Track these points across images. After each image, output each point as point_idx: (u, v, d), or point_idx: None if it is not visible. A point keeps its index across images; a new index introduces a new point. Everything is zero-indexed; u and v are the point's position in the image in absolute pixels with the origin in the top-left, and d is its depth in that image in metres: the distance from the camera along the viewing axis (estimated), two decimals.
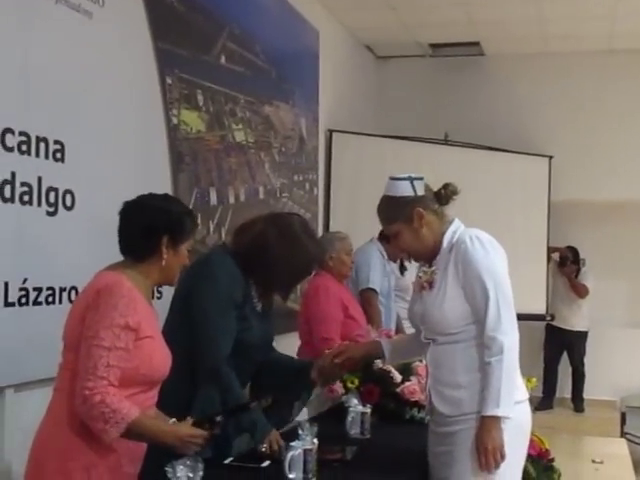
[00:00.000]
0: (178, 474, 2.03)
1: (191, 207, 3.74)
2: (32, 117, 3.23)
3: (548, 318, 8.19)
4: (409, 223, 2.65)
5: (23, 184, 3.17)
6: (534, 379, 3.36)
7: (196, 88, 4.60)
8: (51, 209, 3.33)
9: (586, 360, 8.20)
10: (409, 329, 4.10)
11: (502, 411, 2.48)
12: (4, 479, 3.09)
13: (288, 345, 4.29)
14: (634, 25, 7.31)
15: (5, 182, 3.08)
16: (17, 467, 2.84)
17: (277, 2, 5.84)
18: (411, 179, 2.67)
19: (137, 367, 2.24)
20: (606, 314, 8.12)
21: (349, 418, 3.12)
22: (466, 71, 8.49)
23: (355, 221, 6.53)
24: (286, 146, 6.04)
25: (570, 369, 8.26)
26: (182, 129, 4.45)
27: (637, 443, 7.33)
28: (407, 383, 3.41)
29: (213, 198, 4.82)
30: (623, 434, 7.53)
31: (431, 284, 2.64)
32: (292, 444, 2.43)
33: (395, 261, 5.40)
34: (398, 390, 3.39)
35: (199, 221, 4.32)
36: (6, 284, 3.09)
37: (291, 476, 2.40)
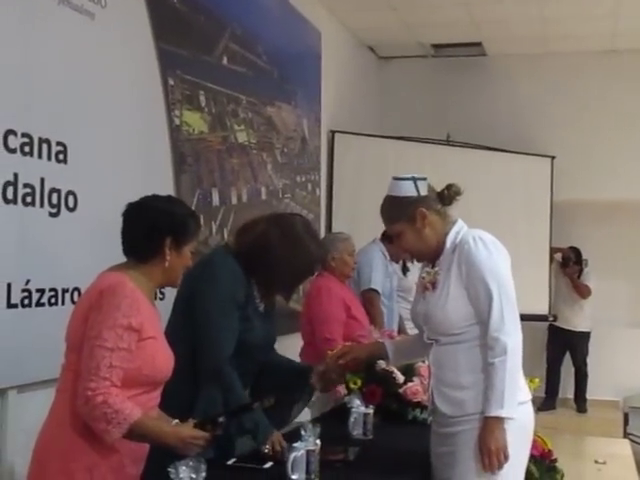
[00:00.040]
0: (181, 475, 2.03)
1: (193, 208, 3.74)
2: (34, 118, 3.23)
3: (551, 319, 8.19)
4: (412, 223, 2.65)
5: (26, 185, 3.17)
6: (537, 380, 3.36)
7: (198, 89, 4.61)
8: (54, 210, 3.33)
9: (589, 360, 8.19)
10: (412, 330, 4.10)
11: (506, 412, 2.48)
12: None
13: (290, 346, 4.29)
14: (636, 25, 7.30)
15: (8, 183, 3.08)
16: (20, 468, 2.84)
17: (279, 3, 5.84)
18: (414, 179, 2.67)
19: (140, 368, 2.24)
20: (609, 314, 8.11)
21: (352, 419, 3.12)
22: (468, 71, 8.49)
23: (357, 222, 6.53)
24: (288, 147, 6.04)
25: (573, 369, 8.25)
26: (184, 130, 4.46)
27: None
28: (410, 384, 3.40)
29: (215, 199, 4.82)
30: (626, 434, 7.52)
31: (434, 285, 2.64)
32: (295, 445, 2.43)
33: (397, 262, 5.40)
34: (401, 391, 3.39)
35: (201, 222, 4.32)
36: (9, 285, 3.09)
37: (294, 477, 2.40)
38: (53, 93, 3.34)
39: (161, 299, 3.55)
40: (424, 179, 2.69)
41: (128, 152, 3.84)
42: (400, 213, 2.66)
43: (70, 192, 3.41)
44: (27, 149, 3.19)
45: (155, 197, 2.45)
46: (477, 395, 2.54)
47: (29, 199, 3.19)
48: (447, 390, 2.62)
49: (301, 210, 6.03)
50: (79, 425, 2.21)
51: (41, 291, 3.25)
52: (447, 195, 2.70)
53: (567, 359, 8.28)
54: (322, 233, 6.45)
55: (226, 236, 4.81)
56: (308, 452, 2.42)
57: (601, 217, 8.19)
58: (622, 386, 8.15)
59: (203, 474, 2.07)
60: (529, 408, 2.67)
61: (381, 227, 4.91)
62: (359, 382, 3.35)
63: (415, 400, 3.37)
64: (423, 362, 3.34)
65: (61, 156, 3.37)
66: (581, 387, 8.19)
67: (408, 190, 2.66)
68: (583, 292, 8.10)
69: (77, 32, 3.49)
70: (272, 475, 2.55)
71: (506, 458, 2.50)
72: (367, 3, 6.91)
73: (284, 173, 5.93)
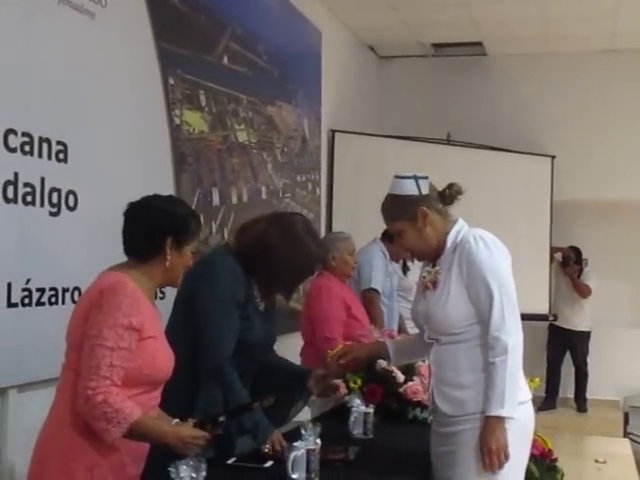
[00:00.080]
0: (181, 474, 2.03)
1: (193, 207, 3.74)
2: (35, 118, 3.23)
3: (551, 318, 8.19)
4: (413, 222, 2.65)
5: (26, 185, 3.17)
6: (537, 379, 3.36)
7: (199, 88, 4.61)
8: (54, 210, 3.33)
9: (589, 360, 8.19)
10: (412, 329, 4.10)
11: (506, 411, 2.48)
12: (7, 479, 3.10)
13: (291, 345, 4.29)
14: (637, 24, 7.30)
15: (8, 183, 3.08)
16: (20, 467, 2.84)
17: (280, 3, 5.84)
18: (416, 178, 2.67)
19: (140, 367, 2.24)
20: (609, 314, 8.11)
21: (352, 418, 3.12)
22: (468, 71, 8.49)
23: (357, 221, 6.54)
24: (288, 146, 6.04)
25: (573, 369, 8.26)
26: (184, 129, 4.46)
27: None
28: (410, 383, 3.41)
29: (216, 198, 4.82)
30: (626, 434, 7.52)
31: (435, 284, 2.64)
32: (295, 444, 2.44)
33: (397, 261, 5.40)
34: (401, 390, 3.39)
35: (202, 221, 4.32)
36: (9, 285, 3.09)
37: (294, 476, 2.40)
38: (53, 92, 3.34)
39: (161, 298, 3.55)
40: (425, 178, 2.69)
41: (128, 152, 3.84)
42: (401, 211, 2.66)
43: (70, 191, 3.41)
44: (27, 148, 3.18)
45: (156, 197, 2.44)
46: (477, 394, 2.54)
47: (29, 198, 3.19)
48: (447, 389, 2.62)
49: (301, 210, 6.03)
50: (79, 424, 2.21)
51: (41, 290, 3.25)
52: (448, 194, 2.70)
53: (567, 359, 8.28)
54: (322, 233, 6.45)
55: (226, 236, 4.81)
56: (308, 451, 2.43)
57: (601, 217, 8.19)
58: (622, 386, 8.15)
59: (203, 473, 2.07)
60: (529, 408, 2.67)
61: (381, 227, 4.91)
62: (359, 381, 3.35)
63: (415, 399, 3.37)
64: (423, 361, 3.34)
65: (61, 155, 3.37)
66: (581, 387, 8.19)
67: (409, 189, 2.66)
68: (583, 291, 8.10)
69: (77, 31, 3.48)
70: (272, 474, 2.55)
71: (507, 458, 2.50)
72: (367, 3, 6.91)
73: (284, 172, 5.93)
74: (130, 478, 2.31)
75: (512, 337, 2.51)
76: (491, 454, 2.49)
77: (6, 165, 3.08)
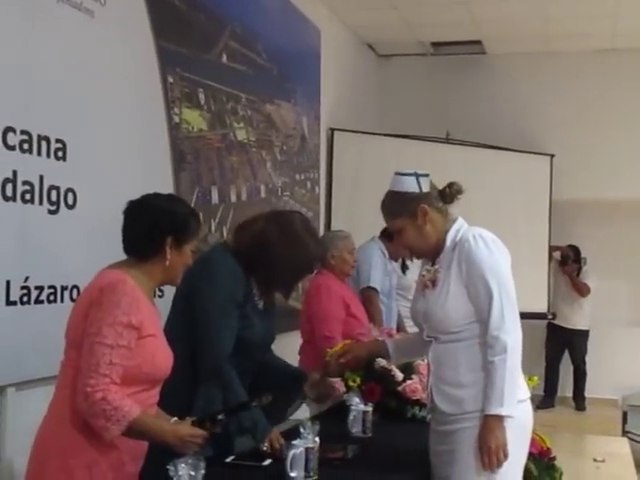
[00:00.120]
0: (180, 472, 2.03)
1: (192, 206, 3.74)
2: (34, 116, 3.23)
3: (550, 317, 8.20)
4: (413, 219, 2.65)
5: (25, 183, 3.17)
6: (535, 378, 3.36)
7: (198, 87, 4.60)
8: (53, 208, 3.33)
9: (588, 359, 8.19)
10: (411, 328, 4.10)
11: (505, 410, 2.48)
12: (6, 478, 3.10)
13: (290, 344, 4.29)
14: (637, 24, 7.30)
15: (7, 180, 3.08)
16: (19, 466, 2.84)
17: (279, 1, 5.83)
18: (417, 175, 2.67)
19: (139, 365, 2.24)
20: (607, 313, 8.11)
21: (351, 416, 3.12)
22: (468, 70, 8.49)
23: (356, 220, 6.53)
24: (288, 145, 6.03)
25: (572, 368, 8.26)
26: (184, 128, 4.45)
27: (638, 442, 7.32)
28: (409, 382, 3.41)
29: (215, 197, 4.82)
30: (625, 433, 7.53)
31: (434, 282, 2.64)
32: (294, 442, 2.44)
33: (396, 260, 5.40)
34: (400, 388, 3.39)
35: (201, 220, 4.32)
36: (8, 283, 3.09)
37: (292, 474, 2.40)
38: (52, 91, 3.34)
39: (160, 297, 3.54)
40: (426, 175, 2.69)
41: (127, 150, 3.84)
42: (401, 208, 2.66)
43: (69, 189, 3.41)
44: (26, 146, 3.18)
45: (156, 195, 2.44)
46: (476, 393, 2.54)
47: (28, 196, 3.19)
48: (446, 388, 2.62)
49: (300, 208, 6.03)
50: (79, 422, 2.21)
51: (40, 288, 3.25)
52: (448, 193, 2.70)
53: (566, 357, 8.28)
54: (321, 231, 6.45)
55: (225, 234, 4.81)
56: (307, 450, 2.43)
57: (600, 216, 8.19)
58: (621, 384, 8.15)
59: (202, 471, 2.07)
60: (528, 406, 2.67)
61: (380, 225, 4.91)
62: (358, 380, 3.35)
63: (414, 398, 3.37)
64: (422, 360, 3.34)
65: (60, 153, 3.37)
66: (580, 385, 8.19)
67: (410, 186, 2.66)
68: (582, 290, 8.10)
69: (77, 30, 3.48)
70: (271, 472, 2.55)
71: (506, 456, 2.50)
72: (367, 1, 6.91)
73: (283, 171, 5.93)
74: (129, 476, 2.31)
75: (511, 336, 2.51)
76: (490, 453, 2.49)
77: (5, 163, 3.07)
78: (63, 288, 3.37)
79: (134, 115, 3.92)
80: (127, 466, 2.29)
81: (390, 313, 5.21)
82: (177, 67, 4.34)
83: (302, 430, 2.47)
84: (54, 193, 3.33)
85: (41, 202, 3.26)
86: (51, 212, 3.32)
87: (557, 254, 8.25)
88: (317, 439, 2.47)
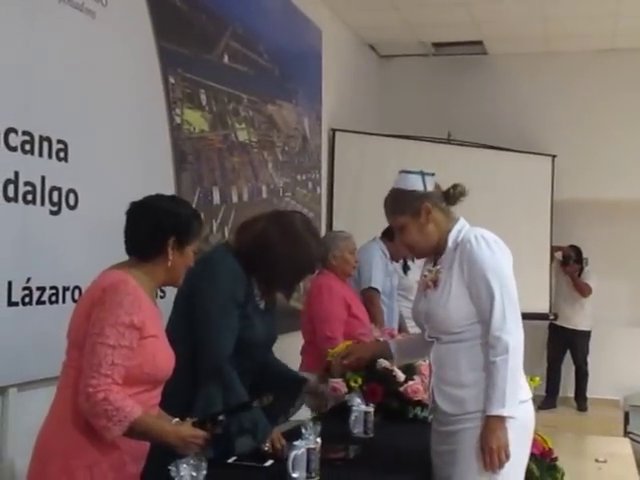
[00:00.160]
0: (182, 473, 2.03)
1: (194, 206, 3.73)
2: (35, 117, 3.23)
3: (551, 317, 8.19)
4: (416, 217, 2.65)
5: (26, 183, 3.17)
6: (537, 378, 3.36)
7: (199, 87, 4.61)
8: (54, 208, 3.33)
9: (589, 359, 8.19)
10: (412, 328, 4.10)
11: (507, 411, 2.48)
12: (7, 478, 3.10)
13: (291, 344, 4.30)
14: (637, 24, 7.29)
15: (9, 181, 3.08)
16: (20, 466, 2.84)
17: (280, 1, 5.84)
18: (422, 174, 2.68)
19: (141, 366, 2.24)
20: (609, 313, 8.10)
21: (352, 417, 3.12)
22: (469, 70, 8.48)
23: (358, 220, 6.54)
24: (289, 145, 6.04)
25: (573, 368, 8.25)
26: (185, 128, 4.46)
27: None
28: (410, 382, 3.40)
29: (216, 197, 4.82)
30: (626, 433, 7.52)
31: (436, 283, 2.64)
32: (295, 443, 2.44)
33: (398, 261, 5.40)
34: (401, 389, 3.39)
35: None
36: (9, 283, 3.09)
37: (294, 475, 2.40)
38: (54, 91, 3.34)
39: (162, 297, 3.54)
40: (432, 175, 2.69)
41: (129, 150, 3.84)
42: (405, 206, 2.66)
43: (71, 190, 3.41)
44: (28, 147, 3.18)
45: (159, 197, 2.45)
46: (478, 393, 2.54)
47: (30, 197, 3.19)
48: (448, 388, 2.62)
49: (302, 208, 6.02)
50: (80, 422, 2.21)
51: (42, 289, 3.25)
52: (452, 194, 2.71)
53: (568, 358, 8.28)
54: (323, 231, 6.45)
55: (227, 234, 4.81)
56: (309, 450, 2.43)
57: (602, 216, 8.19)
58: (622, 385, 8.15)
59: (204, 472, 2.07)
60: (530, 407, 2.67)
61: (381, 226, 4.91)
62: (360, 380, 3.35)
63: (416, 398, 3.37)
64: (424, 360, 3.34)
65: (62, 154, 3.37)
66: (581, 386, 8.19)
67: (415, 184, 2.66)
68: (583, 291, 8.10)
69: (78, 30, 3.48)
70: (273, 473, 2.55)
71: (507, 457, 2.50)
72: (369, 2, 6.91)
73: (285, 171, 5.93)
74: (130, 477, 2.31)
75: (513, 336, 2.51)
76: (492, 453, 2.49)
77: (7, 164, 3.08)
78: (65, 289, 3.37)
79: (135, 116, 3.92)
80: (128, 466, 2.30)
81: (391, 313, 5.21)
82: (178, 68, 4.34)
83: (304, 431, 2.47)
84: (56, 194, 3.33)
85: (43, 203, 3.26)
86: (53, 213, 3.32)
87: (559, 254, 8.25)
88: (319, 440, 2.47)
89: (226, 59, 4.96)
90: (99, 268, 2.39)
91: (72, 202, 3.42)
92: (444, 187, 2.73)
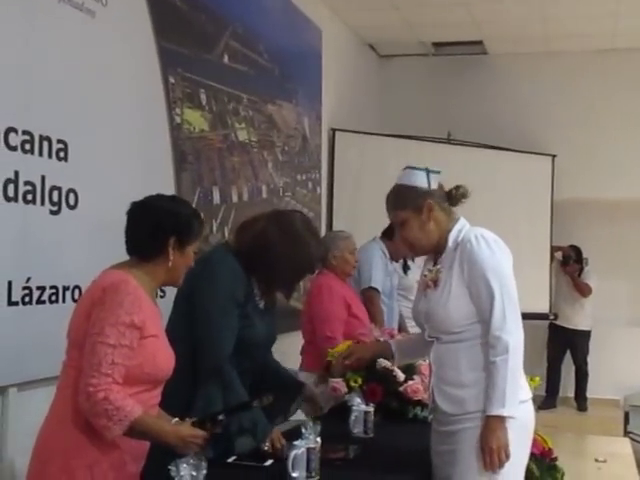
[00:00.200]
0: (181, 472, 2.03)
1: (194, 206, 3.74)
2: (35, 116, 3.23)
3: (551, 317, 8.19)
4: (418, 213, 2.65)
5: (26, 183, 3.17)
6: (537, 378, 3.36)
7: (199, 87, 4.61)
8: (54, 208, 3.33)
9: (589, 359, 8.19)
10: (412, 328, 4.10)
11: (507, 411, 2.48)
12: (7, 478, 3.10)
13: (291, 344, 4.30)
14: (637, 23, 7.29)
15: (8, 181, 3.08)
16: (20, 466, 2.84)
17: (280, 1, 5.84)
18: (428, 171, 2.68)
19: (141, 365, 2.24)
20: (609, 313, 8.10)
21: (352, 417, 3.12)
22: (469, 70, 8.48)
23: (358, 220, 6.54)
24: (289, 145, 6.04)
25: (573, 368, 8.25)
26: (185, 128, 4.46)
27: None
28: (410, 382, 3.41)
29: (216, 197, 4.82)
30: (626, 433, 7.52)
31: (436, 283, 2.64)
32: (295, 443, 2.44)
33: (397, 260, 5.40)
34: (401, 389, 3.39)
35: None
36: (9, 283, 3.09)
37: (294, 475, 2.40)
38: (54, 91, 3.34)
39: (161, 297, 3.54)
40: (437, 173, 2.69)
41: (129, 150, 3.84)
42: (408, 201, 2.66)
43: (71, 190, 3.41)
44: (28, 147, 3.18)
45: (159, 197, 2.45)
46: (478, 393, 2.54)
47: (30, 197, 3.19)
48: (448, 388, 2.62)
49: (302, 208, 6.01)
50: (80, 422, 2.21)
51: (42, 289, 3.25)
52: (454, 195, 2.71)
53: (568, 358, 8.28)
54: (323, 231, 6.45)
55: (227, 234, 4.81)
56: (309, 450, 2.43)
57: (602, 216, 8.19)
58: (622, 385, 8.15)
59: (204, 472, 2.07)
60: (530, 407, 2.67)
61: (381, 225, 4.91)
62: (360, 380, 3.35)
63: (416, 398, 3.37)
64: (424, 360, 3.34)
65: (62, 154, 3.37)
66: (581, 386, 8.19)
67: (419, 180, 2.66)
68: (583, 290, 8.10)
69: (78, 30, 3.48)
70: (272, 473, 2.55)
71: (507, 457, 2.50)
72: (368, 1, 6.91)
73: (285, 171, 5.93)
74: (130, 476, 2.31)
75: (513, 336, 2.51)
76: (492, 453, 2.49)
77: (7, 163, 3.08)
78: (65, 288, 3.37)
79: (135, 115, 3.92)
80: (128, 466, 2.30)
81: (391, 313, 5.20)
82: (178, 67, 4.34)
83: (304, 430, 2.47)
84: (56, 193, 3.33)
85: (43, 202, 3.26)
86: (53, 212, 3.32)
87: (559, 254, 8.25)
88: (319, 439, 2.47)
89: (226, 59, 4.96)
90: (99, 268, 2.39)
91: (72, 202, 3.42)
92: (445, 187, 2.73)
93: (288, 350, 3.36)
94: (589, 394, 8.17)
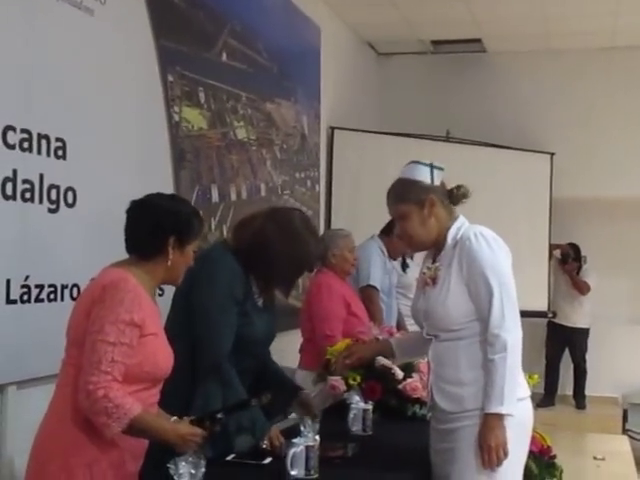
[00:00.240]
0: (180, 470, 2.03)
1: (193, 204, 3.74)
2: (33, 114, 3.23)
3: (550, 315, 8.19)
4: (420, 208, 2.65)
5: (25, 181, 3.17)
6: (536, 376, 3.36)
7: (198, 85, 4.60)
8: (53, 206, 3.33)
9: (588, 357, 8.19)
10: (411, 326, 4.10)
11: (506, 409, 2.48)
12: (6, 476, 3.10)
13: (290, 342, 4.30)
14: (638, 21, 7.29)
15: (7, 179, 3.08)
16: (19, 464, 2.84)
17: None
18: (432, 167, 2.68)
19: (141, 364, 2.24)
20: (608, 311, 8.11)
21: (351, 415, 3.12)
22: (468, 68, 8.48)
23: (357, 218, 6.54)
24: (288, 143, 6.03)
25: (572, 366, 8.26)
26: (184, 126, 4.45)
27: (639, 440, 7.33)
28: (409, 380, 3.41)
29: (215, 195, 4.82)
30: (625, 431, 7.54)
31: (435, 280, 2.64)
32: (294, 441, 2.44)
33: (395, 259, 5.39)
34: (400, 387, 3.39)
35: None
36: (8, 281, 3.09)
37: (293, 473, 2.40)
38: (52, 89, 3.33)
39: (160, 295, 3.54)
40: (441, 169, 2.69)
41: (127, 148, 3.84)
42: (410, 195, 2.65)
43: (69, 188, 3.41)
44: (26, 145, 3.18)
45: (159, 195, 2.45)
46: (477, 391, 2.54)
47: (28, 195, 3.19)
48: (446, 386, 2.62)
49: (300, 206, 6.01)
50: (80, 420, 2.21)
51: (40, 287, 3.25)
52: (455, 194, 2.71)
53: (566, 356, 8.28)
54: (322, 229, 6.45)
55: (225, 232, 4.81)
56: (307, 448, 2.43)
57: (600, 214, 8.19)
58: (621, 382, 8.16)
59: (202, 470, 2.08)
60: (528, 404, 2.67)
61: (380, 224, 4.91)
62: (358, 378, 3.35)
63: (414, 396, 3.37)
64: (422, 358, 3.34)
65: (60, 152, 3.37)
66: (580, 384, 8.19)
67: (424, 175, 2.66)
68: (582, 288, 8.11)
69: (76, 28, 3.48)
70: (271, 471, 2.55)
71: (506, 455, 2.50)
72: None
73: (283, 169, 5.93)
74: (129, 475, 2.31)
75: (512, 334, 2.51)
76: (490, 451, 2.49)
77: (5, 162, 3.07)
78: (63, 287, 3.37)
79: (134, 114, 3.92)
80: (127, 464, 2.30)
81: (390, 311, 5.20)
82: (177, 65, 4.34)
83: (302, 428, 2.47)
84: (54, 192, 3.33)
85: (41, 201, 3.26)
86: (51, 211, 3.32)
87: (557, 252, 8.26)
88: (317, 437, 2.47)
89: (225, 57, 4.96)
90: (97, 266, 2.39)
91: (70, 200, 3.42)
92: (445, 185, 2.74)
93: (287, 348, 3.36)
94: (588, 392, 8.18)
